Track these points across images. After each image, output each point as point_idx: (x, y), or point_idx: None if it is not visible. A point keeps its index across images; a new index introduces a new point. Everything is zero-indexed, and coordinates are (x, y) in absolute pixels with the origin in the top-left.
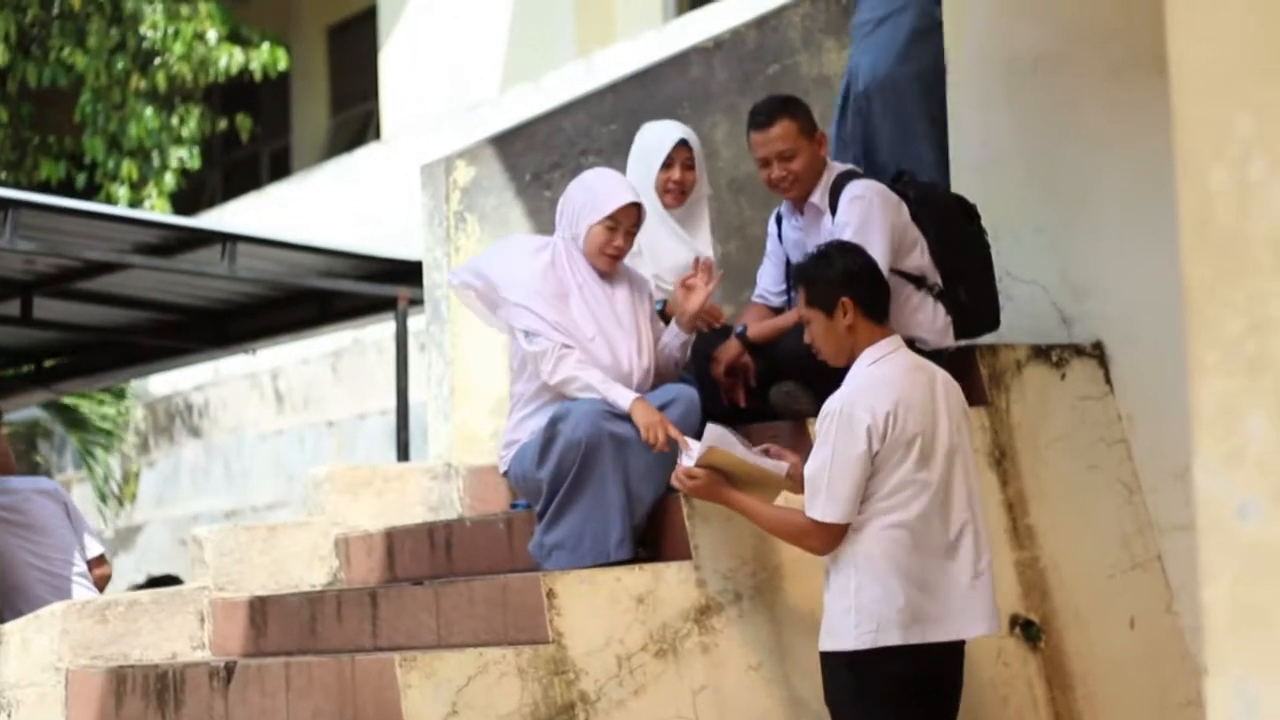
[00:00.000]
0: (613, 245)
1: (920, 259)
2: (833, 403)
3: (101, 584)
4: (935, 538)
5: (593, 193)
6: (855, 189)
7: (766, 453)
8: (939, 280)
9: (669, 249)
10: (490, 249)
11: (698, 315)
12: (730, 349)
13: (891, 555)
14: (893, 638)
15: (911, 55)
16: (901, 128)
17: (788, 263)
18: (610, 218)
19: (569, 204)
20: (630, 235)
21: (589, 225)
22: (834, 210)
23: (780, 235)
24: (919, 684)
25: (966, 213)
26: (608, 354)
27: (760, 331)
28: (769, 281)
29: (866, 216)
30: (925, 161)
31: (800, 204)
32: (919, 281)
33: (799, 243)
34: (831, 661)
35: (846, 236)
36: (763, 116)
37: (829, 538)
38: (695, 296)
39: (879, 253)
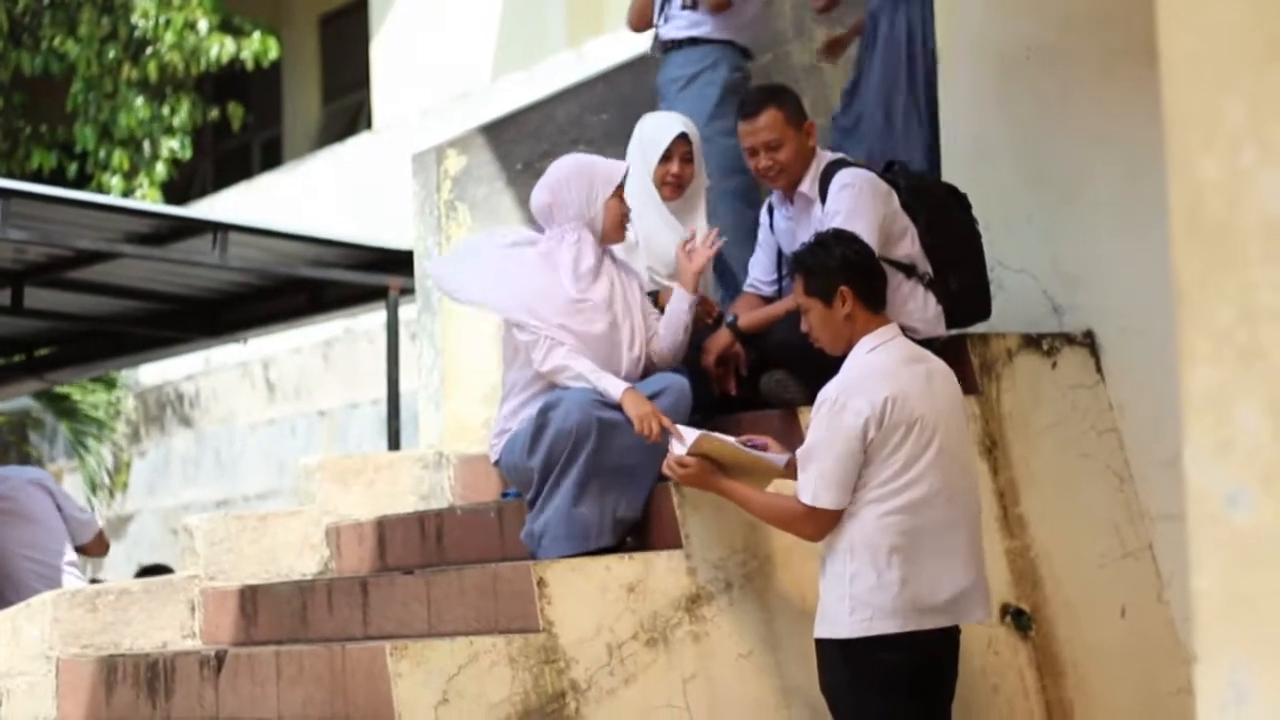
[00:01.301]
0: (625, 213)
1: (910, 247)
2: (830, 389)
3: (102, 550)
4: (930, 526)
5: (594, 171)
6: (845, 177)
7: (765, 446)
8: (929, 269)
9: (664, 241)
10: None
11: (699, 273)
12: (721, 339)
13: (887, 543)
14: (888, 626)
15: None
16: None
17: (779, 252)
18: (620, 187)
19: (572, 192)
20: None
21: (605, 200)
22: (824, 198)
23: (771, 224)
24: (914, 672)
25: (958, 202)
26: (614, 331)
27: (751, 321)
28: (760, 271)
29: (855, 204)
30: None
31: (790, 193)
32: (909, 270)
33: (790, 232)
34: (827, 649)
35: (835, 224)
36: (750, 106)
37: (822, 523)
38: (697, 257)
39: (867, 240)
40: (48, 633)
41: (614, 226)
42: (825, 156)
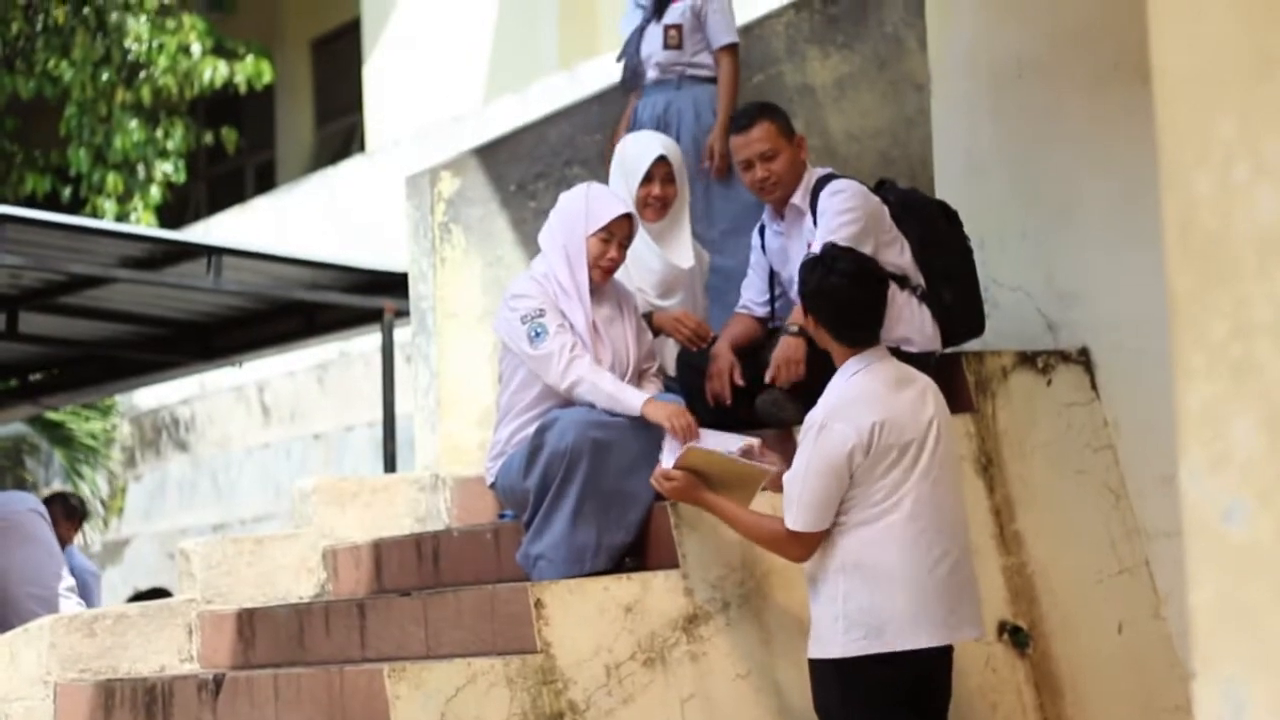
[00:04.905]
0: (606, 257)
1: (899, 257)
2: (815, 414)
3: None
4: (922, 545)
5: (588, 203)
6: (835, 185)
7: (752, 450)
8: (922, 281)
9: (645, 262)
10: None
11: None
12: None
13: (879, 563)
14: (881, 645)
15: None
16: None
17: (771, 272)
18: (605, 229)
19: (561, 218)
20: (623, 247)
21: (585, 237)
22: (814, 208)
23: (764, 246)
24: (908, 690)
25: (948, 217)
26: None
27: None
28: (753, 292)
29: (843, 204)
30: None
31: (781, 207)
32: (902, 281)
33: (782, 249)
34: (820, 669)
35: (827, 219)
36: (744, 120)
37: (805, 545)
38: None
39: (854, 237)
40: (45, 657)
41: (591, 264)
42: (816, 171)
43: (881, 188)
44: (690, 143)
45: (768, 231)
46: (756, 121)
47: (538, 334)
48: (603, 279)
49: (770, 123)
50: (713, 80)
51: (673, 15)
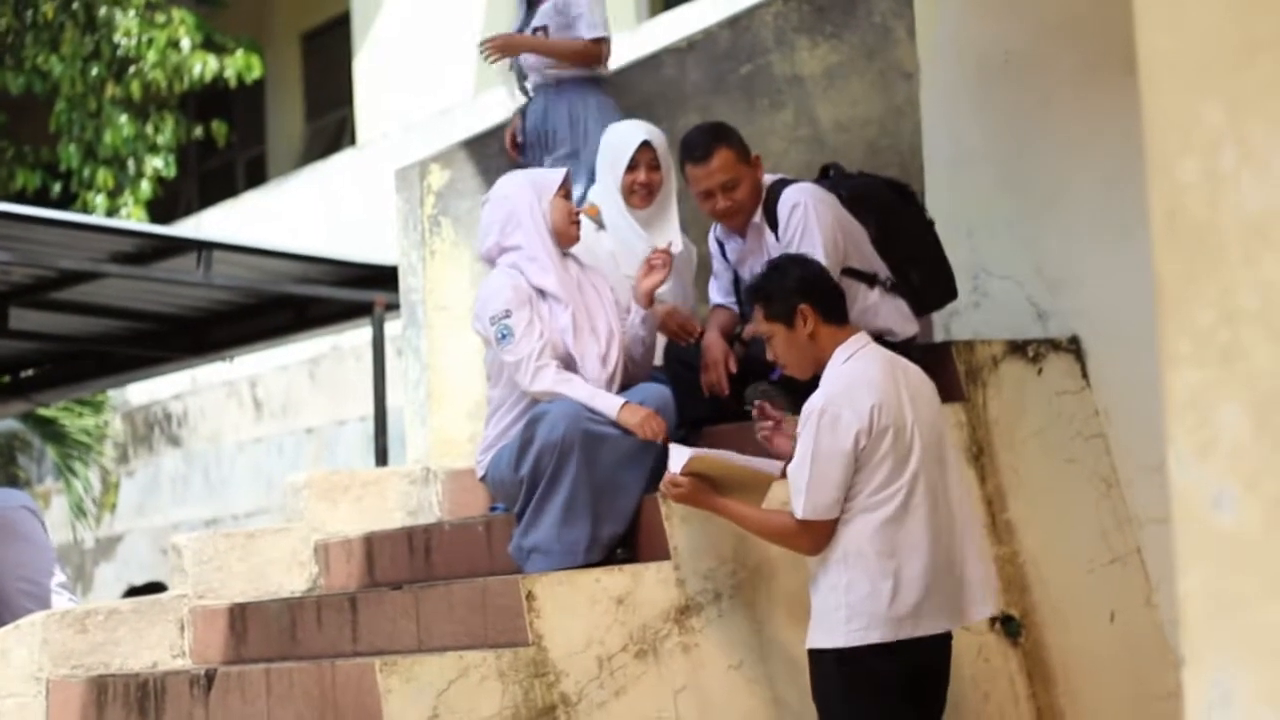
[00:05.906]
0: (573, 212)
1: (865, 251)
2: (815, 401)
3: None
4: (922, 529)
5: (534, 177)
6: (791, 197)
7: (767, 440)
8: (889, 273)
9: (638, 250)
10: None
11: (650, 291)
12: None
13: (880, 551)
14: (884, 634)
15: None
16: None
17: (736, 276)
18: (562, 186)
19: (524, 199)
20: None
21: (550, 200)
22: (770, 221)
23: (724, 253)
24: (908, 679)
25: (901, 196)
26: (579, 328)
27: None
28: (721, 295)
29: (807, 223)
30: None
31: (742, 229)
32: (871, 279)
33: (741, 262)
34: (821, 658)
35: (794, 250)
36: (699, 149)
37: (816, 536)
38: (653, 276)
39: (823, 256)
40: (37, 654)
41: (564, 224)
42: (766, 179)
43: (828, 176)
44: (567, 154)
45: (726, 246)
46: (715, 150)
47: (504, 336)
48: (578, 235)
49: (728, 149)
50: (589, 80)
51: (539, 17)
